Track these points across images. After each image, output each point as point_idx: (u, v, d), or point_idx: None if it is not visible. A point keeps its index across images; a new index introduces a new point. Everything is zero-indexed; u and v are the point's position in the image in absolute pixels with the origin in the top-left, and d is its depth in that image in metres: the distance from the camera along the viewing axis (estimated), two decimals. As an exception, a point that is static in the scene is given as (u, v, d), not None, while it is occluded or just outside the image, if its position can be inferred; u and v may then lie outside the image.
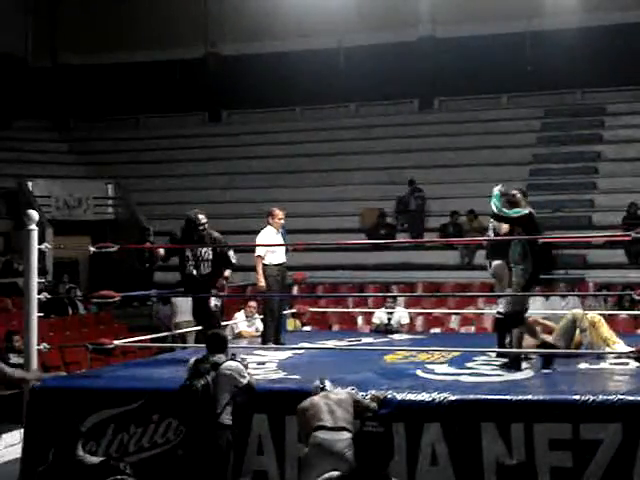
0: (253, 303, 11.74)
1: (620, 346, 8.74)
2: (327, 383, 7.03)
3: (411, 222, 19.76)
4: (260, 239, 10.15)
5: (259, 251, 10.01)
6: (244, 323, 11.65)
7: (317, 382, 7.04)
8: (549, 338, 9.13)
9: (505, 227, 8.77)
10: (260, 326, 10.97)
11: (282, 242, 10.43)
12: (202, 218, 9.31)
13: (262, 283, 9.96)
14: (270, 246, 10.01)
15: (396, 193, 20.49)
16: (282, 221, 10.34)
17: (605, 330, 8.98)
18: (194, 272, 9.21)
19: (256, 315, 11.49)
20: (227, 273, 9.34)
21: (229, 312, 12.04)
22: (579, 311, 9.25)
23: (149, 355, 11.23)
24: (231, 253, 9.35)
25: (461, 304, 15.46)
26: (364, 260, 18.91)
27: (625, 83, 21.22)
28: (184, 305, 13.32)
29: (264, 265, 10.00)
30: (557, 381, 7.85)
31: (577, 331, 8.91)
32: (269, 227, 10.28)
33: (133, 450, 7.67)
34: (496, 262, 8.91)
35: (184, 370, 7.44)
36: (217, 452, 7.02)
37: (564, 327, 9.00)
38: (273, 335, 10.18)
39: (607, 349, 8.79)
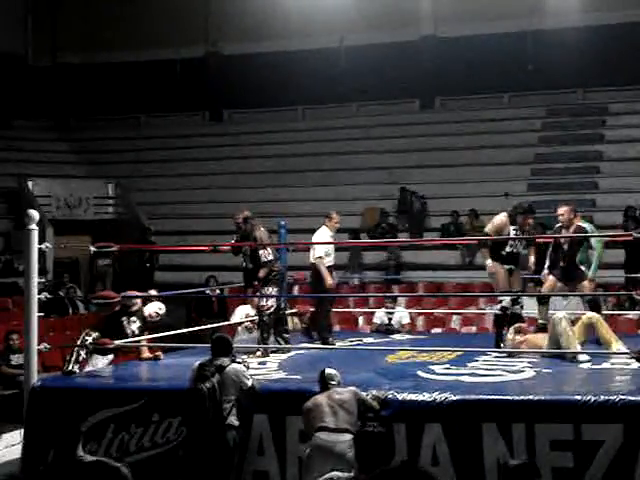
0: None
1: (621, 348, 8.69)
2: (329, 371, 7.04)
3: (412, 222, 19.74)
4: (315, 239, 10.47)
5: (319, 252, 10.31)
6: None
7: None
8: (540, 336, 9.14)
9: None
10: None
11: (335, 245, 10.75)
12: (239, 217, 9.91)
13: (330, 281, 10.28)
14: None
15: (397, 193, 20.48)
16: (338, 225, 10.63)
17: (605, 331, 8.94)
18: (243, 265, 9.96)
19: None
20: (261, 273, 9.63)
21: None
22: (558, 314, 9.11)
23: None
24: (263, 252, 9.56)
25: (462, 304, 15.45)
26: (365, 260, 18.90)
27: (627, 82, 21.17)
28: None
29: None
30: (558, 381, 7.84)
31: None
32: (324, 228, 10.53)
33: (134, 450, 7.66)
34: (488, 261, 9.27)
35: (188, 373, 7.44)
36: (224, 452, 7.04)
37: (550, 331, 8.96)
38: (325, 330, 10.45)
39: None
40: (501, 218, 9.38)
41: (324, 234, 10.47)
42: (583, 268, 9.59)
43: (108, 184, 22.62)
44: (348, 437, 6.49)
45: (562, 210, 9.66)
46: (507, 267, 9.25)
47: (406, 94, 23.34)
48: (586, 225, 9.92)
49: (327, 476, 5.32)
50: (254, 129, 23.74)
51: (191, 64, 25.09)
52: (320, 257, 10.27)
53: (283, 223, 12.17)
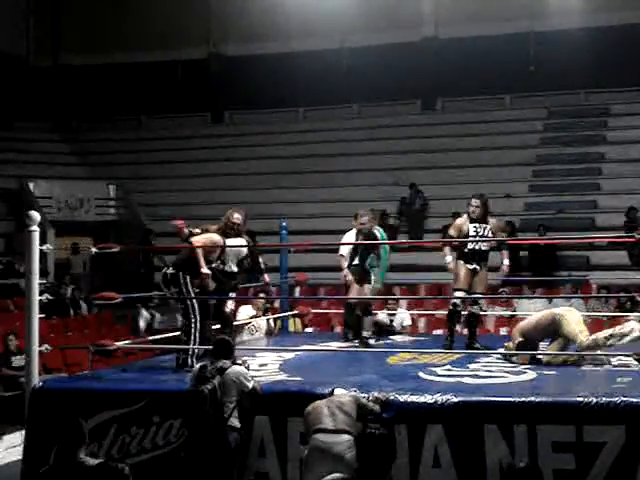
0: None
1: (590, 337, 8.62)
2: (338, 391, 7.02)
3: (412, 223, 19.72)
4: (343, 240, 10.75)
5: (341, 250, 10.66)
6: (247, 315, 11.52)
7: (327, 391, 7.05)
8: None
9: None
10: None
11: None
12: (234, 218, 9.35)
13: (349, 277, 10.45)
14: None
15: (399, 194, 20.48)
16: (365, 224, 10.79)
17: (569, 326, 8.76)
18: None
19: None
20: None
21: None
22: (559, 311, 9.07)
23: (151, 356, 11.21)
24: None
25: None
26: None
27: (629, 84, 21.18)
28: None
29: None
30: (560, 383, 7.82)
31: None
32: (353, 229, 10.69)
33: (135, 452, 7.65)
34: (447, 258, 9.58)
35: (188, 375, 7.43)
36: (226, 454, 7.03)
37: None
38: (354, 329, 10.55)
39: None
40: (460, 219, 9.61)
41: (351, 234, 10.70)
42: (371, 272, 10.31)
43: (109, 185, 22.65)
44: (347, 438, 6.47)
45: (364, 219, 10.37)
46: (471, 267, 9.32)
47: (407, 95, 23.35)
48: (377, 232, 10.52)
49: (328, 477, 5.29)
50: (255, 130, 23.75)
51: (193, 65, 25.12)
52: (342, 255, 10.58)
53: (284, 224, 12.17)
